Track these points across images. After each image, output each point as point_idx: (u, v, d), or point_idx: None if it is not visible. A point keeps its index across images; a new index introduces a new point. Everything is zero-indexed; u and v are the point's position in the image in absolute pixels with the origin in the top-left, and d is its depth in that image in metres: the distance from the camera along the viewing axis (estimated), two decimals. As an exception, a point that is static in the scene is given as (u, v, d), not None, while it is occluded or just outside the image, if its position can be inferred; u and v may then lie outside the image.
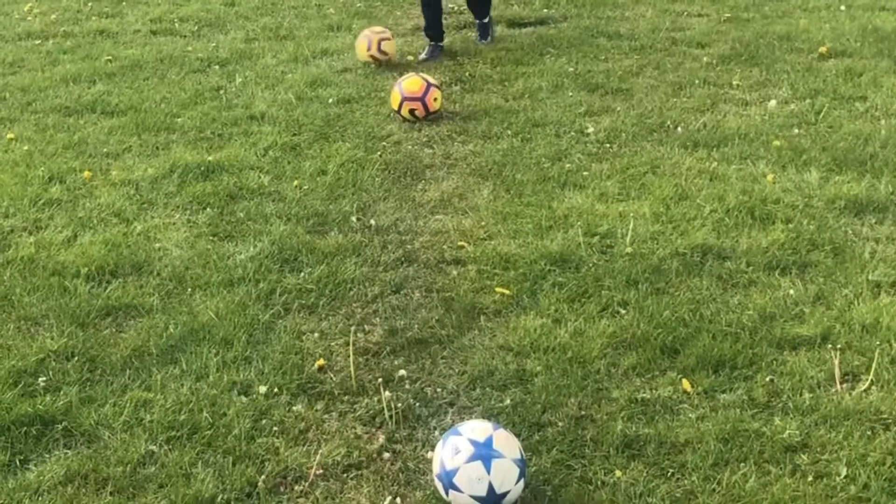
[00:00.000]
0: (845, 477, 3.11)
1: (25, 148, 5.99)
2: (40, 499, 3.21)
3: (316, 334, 4.05)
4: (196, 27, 8.51)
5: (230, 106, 6.58)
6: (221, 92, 6.87)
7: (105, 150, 5.99)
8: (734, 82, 6.58)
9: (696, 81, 6.64)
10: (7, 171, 5.69)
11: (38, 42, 8.23)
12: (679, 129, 5.86)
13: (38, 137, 6.19)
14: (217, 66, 7.44)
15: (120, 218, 5.10)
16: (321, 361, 3.84)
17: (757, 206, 4.75)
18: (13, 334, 4.10)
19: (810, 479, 3.12)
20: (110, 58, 7.68)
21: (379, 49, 7.22)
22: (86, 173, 5.61)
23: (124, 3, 9.31)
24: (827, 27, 7.66)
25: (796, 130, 5.72)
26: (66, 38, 8.29)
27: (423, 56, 7.25)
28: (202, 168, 5.60)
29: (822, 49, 7.04)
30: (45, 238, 4.89)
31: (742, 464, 3.20)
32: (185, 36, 8.26)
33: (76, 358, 3.92)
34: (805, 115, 5.92)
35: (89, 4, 9.27)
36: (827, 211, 4.73)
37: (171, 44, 8.04)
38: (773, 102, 6.11)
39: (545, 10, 8.55)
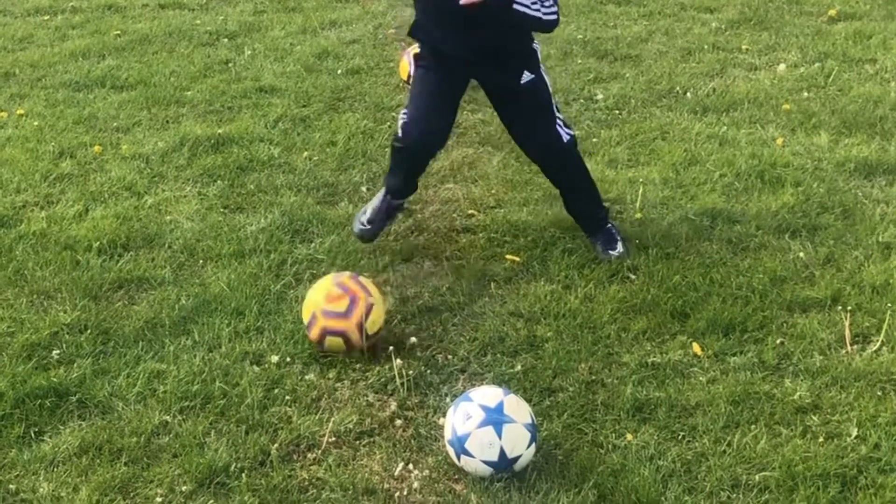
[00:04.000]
0: (856, 437, 3.12)
1: (36, 123, 6.00)
2: (55, 470, 3.24)
3: (327, 304, 4.04)
4: (204, 0, 8.48)
5: (239, 78, 6.58)
6: (230, 65, 6.87)
7: (115, 124, 6.00)
8: (743, 47, 6.54)
9: (705, 46, 6.60)
10: (18, 146, 5.70)
11: (46, 17, 8.21)
12: (688, 94, 5.84)
13: (48, 113, 6.19)
14: (225, 39, 7.43)
15: (131, 192, 5.11)
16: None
17: (766, 170, 4.74)
18: (26, 308, 4.13)
19: (821, 440, 3.13)
20: (119, 32, 7.67)
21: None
22: (96, 148, 5.62)
23: (132, -22, 9.29)
24: (836, -11, 7.61)
25: (806, 94, 5.69)
26: (74, 13, 8.28)
27: (367, 215, 4.38)
28: (212, 141, 5.60)
29: (832, 12, 6.99)
30: (57, 212, 4.91)
31: (753, 426, 3.21)
32: (193, 9, 8.24)
33: (89, 331, 3.94)
34: (814, 79, 5.89)
35: (97, -21, 9.25)
36: (836, 174, 4.72)
37: (179, 17, 8.02)
38: (782, 66, 6.07)
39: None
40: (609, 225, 4.27)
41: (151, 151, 5.55)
